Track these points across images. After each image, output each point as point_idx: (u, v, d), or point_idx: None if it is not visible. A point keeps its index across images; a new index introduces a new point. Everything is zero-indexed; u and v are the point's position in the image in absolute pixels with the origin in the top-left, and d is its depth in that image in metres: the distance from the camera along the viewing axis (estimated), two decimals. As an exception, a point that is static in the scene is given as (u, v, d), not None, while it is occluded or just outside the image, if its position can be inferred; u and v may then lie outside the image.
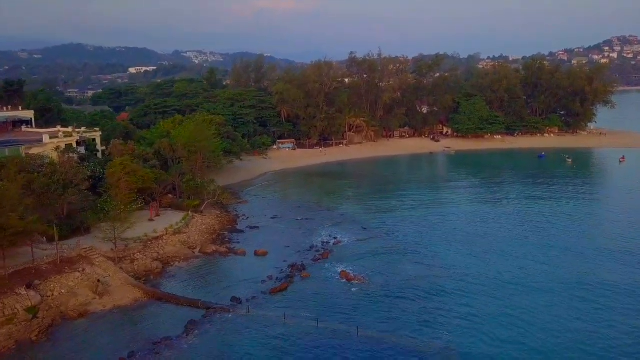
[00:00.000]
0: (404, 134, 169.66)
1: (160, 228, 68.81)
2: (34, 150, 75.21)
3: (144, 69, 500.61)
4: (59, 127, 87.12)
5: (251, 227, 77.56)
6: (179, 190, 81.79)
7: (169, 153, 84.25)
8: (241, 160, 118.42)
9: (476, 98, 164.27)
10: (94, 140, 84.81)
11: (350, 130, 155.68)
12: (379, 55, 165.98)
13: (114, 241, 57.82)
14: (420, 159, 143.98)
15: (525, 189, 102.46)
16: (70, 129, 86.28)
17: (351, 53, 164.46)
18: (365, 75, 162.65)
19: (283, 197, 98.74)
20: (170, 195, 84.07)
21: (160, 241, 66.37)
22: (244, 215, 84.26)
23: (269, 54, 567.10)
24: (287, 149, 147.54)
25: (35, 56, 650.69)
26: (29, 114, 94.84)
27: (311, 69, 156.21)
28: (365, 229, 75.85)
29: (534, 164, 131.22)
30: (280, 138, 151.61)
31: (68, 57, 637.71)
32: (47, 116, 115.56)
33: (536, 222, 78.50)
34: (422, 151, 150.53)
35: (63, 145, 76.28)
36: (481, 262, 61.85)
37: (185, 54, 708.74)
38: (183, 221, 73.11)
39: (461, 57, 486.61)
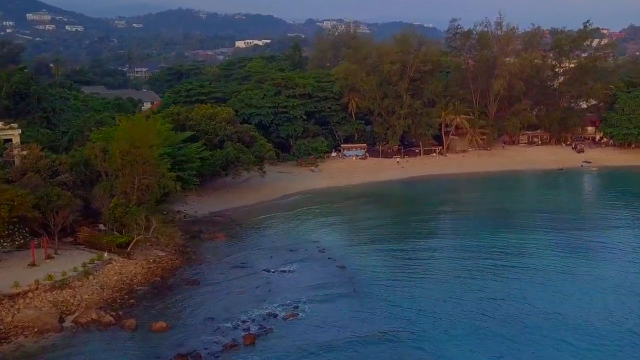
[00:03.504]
0: (535, 139, 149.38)
1: (30, 280, 59.72)
2: None
3: (255, 42, 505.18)
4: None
5: (189, 282, 66.29)
6: (105, 220, 73.00)
7: (100, 164, 75.29)
8: (264, 172, 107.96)
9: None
10: (7, 141, 78.19)
11: (449, 133, 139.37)
12: (499, 23, 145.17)
13: None
14: (542, 180, 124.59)
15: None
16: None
17: (453, 20, 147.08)
18: (474, 53, 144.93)
19: (282, 234, 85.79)
20: (101, 226, 75.78)
21: (20, 300, 57.08)
22: (198, 260, 73.75)
23: (430, 25, 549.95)
24: (355, 157, 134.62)
25: (135, 25, 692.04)
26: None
27: (389, 43, 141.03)
28: (356, 291, 62.16)
29: None
30: (347, 141, 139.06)
31: (173, 27, 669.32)
32: (23, 103, 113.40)
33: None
34: (552, 166, 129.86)
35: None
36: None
37: (320, 24, 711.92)
38: (82, 268, 63.64)
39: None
